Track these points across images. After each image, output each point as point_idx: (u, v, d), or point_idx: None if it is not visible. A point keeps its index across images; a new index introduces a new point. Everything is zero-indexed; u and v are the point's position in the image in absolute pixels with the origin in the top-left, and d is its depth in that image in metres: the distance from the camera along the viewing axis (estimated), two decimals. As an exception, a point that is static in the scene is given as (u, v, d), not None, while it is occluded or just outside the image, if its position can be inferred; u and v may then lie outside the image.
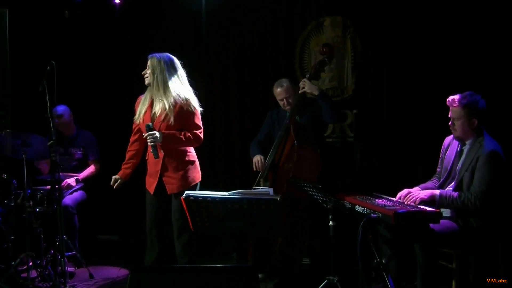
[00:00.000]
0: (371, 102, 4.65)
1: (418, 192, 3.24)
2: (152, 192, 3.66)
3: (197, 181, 3.69)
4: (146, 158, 3.75)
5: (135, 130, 3.80)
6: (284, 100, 4.08)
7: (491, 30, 4.21)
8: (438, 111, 4.24)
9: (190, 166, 3.66)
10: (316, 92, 3.92)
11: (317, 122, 4.06)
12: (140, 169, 3.85)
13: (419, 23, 4.44)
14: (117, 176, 3.77)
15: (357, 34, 4.66)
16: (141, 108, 3.64)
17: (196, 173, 3.71)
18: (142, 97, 3.71)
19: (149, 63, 3.60)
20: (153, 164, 3.65)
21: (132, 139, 3.83)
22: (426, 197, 3.17)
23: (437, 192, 3.19)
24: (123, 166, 3.80)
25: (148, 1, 5.23)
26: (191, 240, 3.66)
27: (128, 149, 3.83)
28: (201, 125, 3.65)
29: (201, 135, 3.64)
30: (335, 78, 4.75)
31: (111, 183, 3.77)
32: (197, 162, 3.74)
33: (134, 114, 3.73)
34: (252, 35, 4.96)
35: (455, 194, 3.14)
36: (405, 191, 3.31)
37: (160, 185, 3.63)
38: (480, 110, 3.19)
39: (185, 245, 3.66)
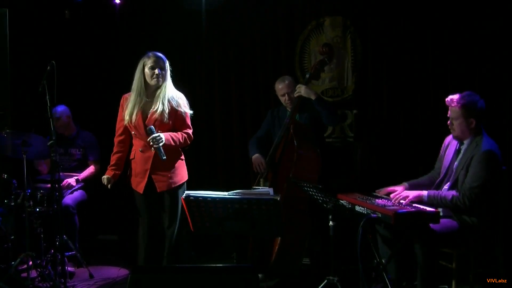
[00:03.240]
0: (371, 102, 4.65)
1: (406, 193, 3.25)
2: (141, 191, 3.63)
3: (185, 180, 3.70)
4: (132, 158, 3.69)
5: (121, 131, 3.71)
6: (286, 95, 4.08)
7: (492, 30, 4.21)
8: (438, 111, 4.24)
9: (179, 165, 3.69)
10: (313, 97, 3.91)
11: (317, 122, 4.06)
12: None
13: (419, 23, 4.44)
14: (109, 176, 3.67)
15: (357, 34, 4.66)
16: (132, 109, 3.57)
17: (185, 172, 3.73)
18: (129, 96, 3.65)
19: (163, 63, 3.57)
20: (142, 163, 3.61)
21: (117, 140, 3.73)
22: (413, 199, 3.19)
23: (425, 193, 3.20)
24: (112, 168, 3.69)
25: (148, 1, 5.23)
26: (181, 238, 3.66)
27: (115, 151, 3.72)
28: (191, 125, 3.71)
29: (192, 135, 3.69)
30: (335, 78, 4.75)
31: (106, 183, 3.67)
32: (184, 162, 3.76)
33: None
34: (252, 35, 4.96)
35: (446, 193, 3.15)
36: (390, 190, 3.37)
37: (149, 183, 3.61)
38: (479, 110, 3.19)
39: (174, 244, 3.64)
